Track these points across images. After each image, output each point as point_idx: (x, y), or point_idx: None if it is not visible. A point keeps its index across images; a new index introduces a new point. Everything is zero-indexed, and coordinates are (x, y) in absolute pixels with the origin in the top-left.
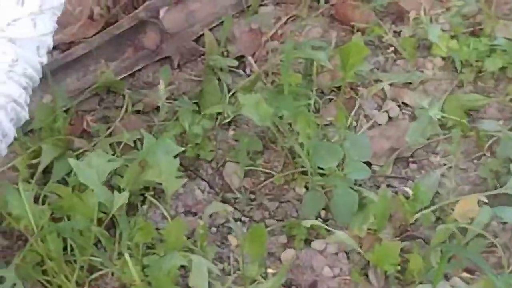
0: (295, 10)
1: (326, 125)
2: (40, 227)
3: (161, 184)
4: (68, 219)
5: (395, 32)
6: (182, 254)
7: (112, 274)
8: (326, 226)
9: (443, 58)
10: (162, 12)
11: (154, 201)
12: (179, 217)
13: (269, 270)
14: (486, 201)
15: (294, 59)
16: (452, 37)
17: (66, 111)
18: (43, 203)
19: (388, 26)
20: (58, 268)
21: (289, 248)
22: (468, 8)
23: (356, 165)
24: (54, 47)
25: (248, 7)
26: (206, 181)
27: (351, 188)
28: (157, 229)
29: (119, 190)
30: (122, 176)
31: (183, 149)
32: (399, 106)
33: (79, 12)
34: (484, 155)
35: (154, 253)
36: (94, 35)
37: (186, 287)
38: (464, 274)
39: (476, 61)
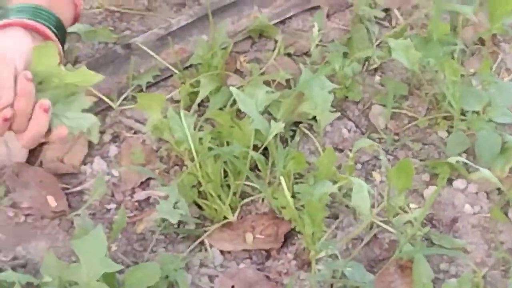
0: None
1: (469, 75)
2: (199, 152)
3: (311, 119)
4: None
5: None
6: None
7: (263, 200)
8: (470, 163)
9: None
10: None
11: (308, 132)
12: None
13: (412, 205)
14: None
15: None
16: None
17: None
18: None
19: None
20: (214, 191)
21: (432, 186)
22: None
23: (500, 110)
24: None
25: None
26: (352, 121)
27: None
28: (306, 161)
29: (275, 120)
30: (278, 109)
31: (336, 86)
32: None
33: None
34: None
35: (303, 182)
36: None
37: (333, 216)
38: None
39: None
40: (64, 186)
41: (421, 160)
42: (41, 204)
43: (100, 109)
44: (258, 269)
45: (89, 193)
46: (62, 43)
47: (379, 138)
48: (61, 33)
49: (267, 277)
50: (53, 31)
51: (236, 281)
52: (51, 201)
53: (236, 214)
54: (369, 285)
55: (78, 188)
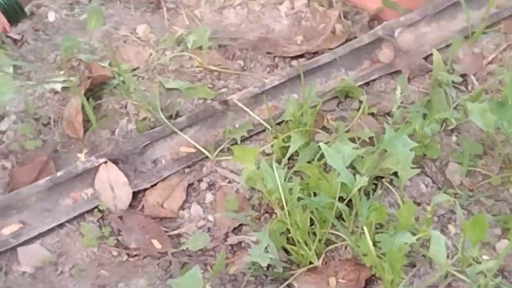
0: None
1: None
2: (289, 201)
3: (392, 174)
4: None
5: None
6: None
7: (346, 247)
8: None
9: None
10: (397, 32)
11: (389, 186)
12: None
13: (484, 257)
14: None
15: None
16: None
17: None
18: (289, 183)
19: None
20: (302, 237)
21: (504, 239)
22: None
23: None
24: (301, 55)
25: (472, 33)
26: (430, 177)
27: None
28: (387, 213)
29: (360, 174)
30: (362, 164)
31: (417, 144)
32: None
33: (322, 28)
34: None
35: (383, 232)
36: (336, 47)
37: (411, 265)
38: None
39: None
40: (164, 229)
41: (493, 215)
42: (146, 246)
43: (198, 159)
44: None
45: (186, 236)
46: None
47: (454, 194)
48: None
49: None
50: None
51: None
52: (156, 243)
53: (321, 259)
54: None
55: (176, 232)
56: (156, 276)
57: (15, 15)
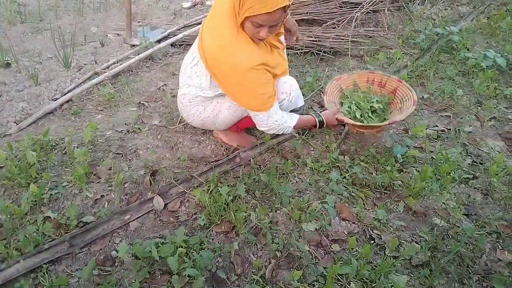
0: None
1: None
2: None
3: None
4: None
5: None
6: None
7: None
8: None
9: None
10: (242, 155)
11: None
12: None
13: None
14: None
15: None
16: None
17: None
18: None
19: None
20: (213, 217)
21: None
22: None
23: None
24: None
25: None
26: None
27: None
28: None
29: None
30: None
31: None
32: None
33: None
34: None
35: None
36: (222, 157)
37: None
38: None
39: None
40: (174, 214)
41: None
42: (168, 219)
43: (183, 194)
44: None
45: (181, 217)
46: None
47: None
48: None
49: None
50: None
51: None
52: (171, 219)
53: (220, 221)
54: None
55: (177, 215)
56: (171, 229)
57: None
